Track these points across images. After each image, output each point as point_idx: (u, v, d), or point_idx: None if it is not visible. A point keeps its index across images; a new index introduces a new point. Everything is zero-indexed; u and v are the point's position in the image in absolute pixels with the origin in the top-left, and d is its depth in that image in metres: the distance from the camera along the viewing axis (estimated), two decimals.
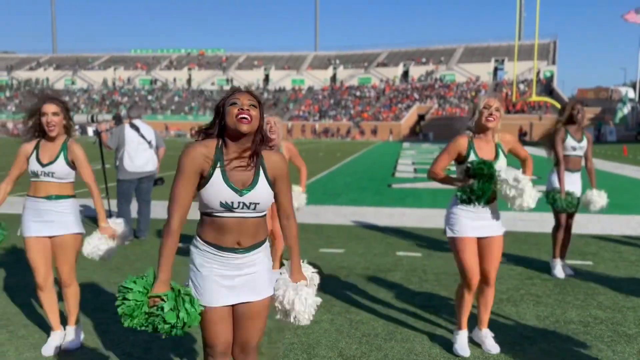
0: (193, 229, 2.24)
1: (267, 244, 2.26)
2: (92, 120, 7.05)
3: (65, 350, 3.42)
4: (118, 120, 6.98)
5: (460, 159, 3.36)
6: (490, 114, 3.26)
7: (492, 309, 3.82)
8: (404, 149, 32.36)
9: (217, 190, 2.07)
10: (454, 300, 3.68)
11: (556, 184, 5.14)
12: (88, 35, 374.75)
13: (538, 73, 58.30)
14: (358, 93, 68.45)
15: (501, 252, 3.43)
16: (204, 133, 2.18)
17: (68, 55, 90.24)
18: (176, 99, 73.51)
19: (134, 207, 6.91)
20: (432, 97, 63.53)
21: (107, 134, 6.85)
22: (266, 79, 77.84)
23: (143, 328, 2.04)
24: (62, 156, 3.36)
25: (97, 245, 3.38)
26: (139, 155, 6.68)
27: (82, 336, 3.56)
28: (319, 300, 2.28)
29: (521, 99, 55.01)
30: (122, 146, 6.64)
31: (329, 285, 4.86)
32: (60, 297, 3.53)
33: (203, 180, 2.09)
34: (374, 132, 57.16)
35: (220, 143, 2.13)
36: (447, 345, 3.54)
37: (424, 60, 73.42)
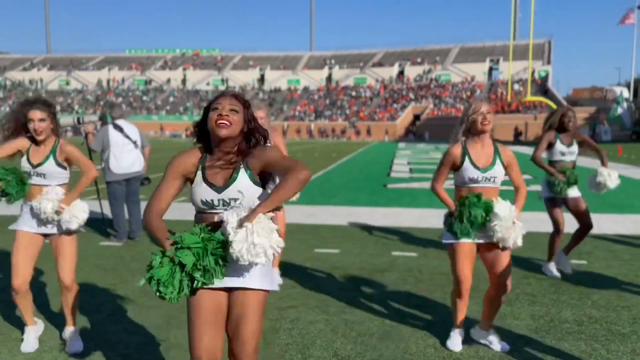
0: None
1: None
2: (79, 122, 6.92)
3: (75, 353, 3.37)
4: (104, 120, 6.86)
5: (457, 167, 3.45)
6: (484, 118, 3.36)
7: None
8: (400, 149, 32.41)
9: (198, 190, 2.20)
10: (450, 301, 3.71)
11: (545, 192, 5.16)
12: (82, 36, 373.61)
13: (533, 73, 58.49)
14: (354, 93, 68.51)
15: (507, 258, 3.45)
16: (197, 133, 2.31)
17: (62, 55, 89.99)
18: (171, 99, 73.40)
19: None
20: (427, 97, 63.67)
21: (94, 135, 6.77)
22: (261, 79, 77.82)
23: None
24: (51, 157, 3.37)
25: (54, 200, 3.30)
26: (125, 156, 6.61)
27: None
28: (273, 241, 2.07)
29: (516, 98, 55.23)
30: (107, 148, 6.56)
31: (324, 286, 4.86)
32: (44, 297, 3.51)
33: (191, 184, 2.24)
34: (368, 131, 57.19)
35: (206, 147, 2.27)
36: (442, 346, 3.55)
37: (419, 60, 73.56)
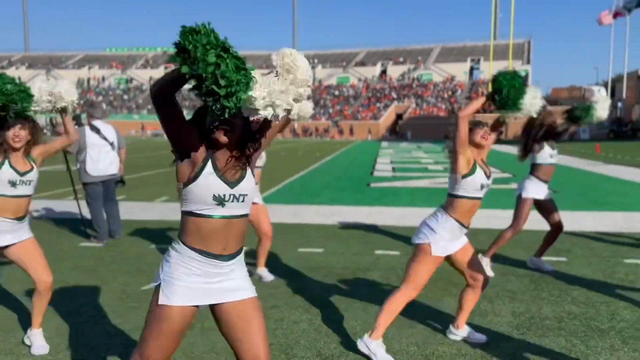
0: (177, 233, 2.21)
1: (242, 254, 2.23)
2: (52, 124, 6.69)
3: (43, 355, 3.33)
4: (78, 121, 6.68)
5: (466, 173, 3.34)
6: (485, 131, 3.39)
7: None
8: (383, 148, 32.53)
9: (209, 183, 2.04)
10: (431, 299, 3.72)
11: (529, 192, 5.21)
12: (62, 34, 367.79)
13: None
14: (337, 92, 68.59)
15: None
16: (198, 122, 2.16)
17: (41, 54, 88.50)
18: None
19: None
20: (409, 97, 64.01)
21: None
22: None
23: None
24: (32, 163, 3.35)
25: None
26: (102, 157, 6.49)
27: None
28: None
29: None
30: (83, 149, 6.42)
31: (308, 285, 4.86)
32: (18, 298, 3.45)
33: (193, 174, 2.05)
34: (351, 131, 57.32)
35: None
36: (425, 344, 3.57)
37: (401, 59, 73.94)
